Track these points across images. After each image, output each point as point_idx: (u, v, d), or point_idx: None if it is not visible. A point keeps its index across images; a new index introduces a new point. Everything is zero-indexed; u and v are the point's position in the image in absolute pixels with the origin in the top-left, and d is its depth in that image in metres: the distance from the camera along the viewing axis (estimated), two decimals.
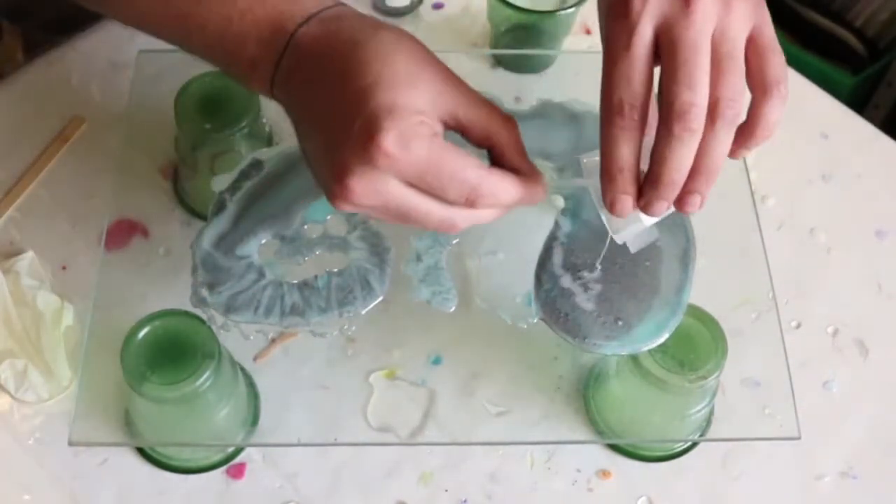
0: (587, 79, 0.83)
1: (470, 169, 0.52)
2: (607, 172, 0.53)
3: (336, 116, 0.53)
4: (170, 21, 0.59)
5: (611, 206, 0.54)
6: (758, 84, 0.54)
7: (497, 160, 0.55)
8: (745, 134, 0.54)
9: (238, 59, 0.57)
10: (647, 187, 0.54)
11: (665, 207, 0.54)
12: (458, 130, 0.54)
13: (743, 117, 0.54)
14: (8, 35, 0.96)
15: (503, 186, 0.53)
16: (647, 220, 0.56)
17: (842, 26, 1.40)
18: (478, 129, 0.54)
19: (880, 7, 1.40)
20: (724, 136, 0.52)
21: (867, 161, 0.87)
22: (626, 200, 0.54)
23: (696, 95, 0.51)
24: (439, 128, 0.53)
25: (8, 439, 0.71)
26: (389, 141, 0.50)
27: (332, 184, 0.52)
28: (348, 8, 0.57)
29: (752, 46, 0.54)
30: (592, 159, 0.56)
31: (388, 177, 0.51)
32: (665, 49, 0.52)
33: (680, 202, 0.54)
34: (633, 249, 0.59)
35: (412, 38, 0.55)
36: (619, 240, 0.58)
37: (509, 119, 0.56)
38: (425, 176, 0.51)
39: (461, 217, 0.54)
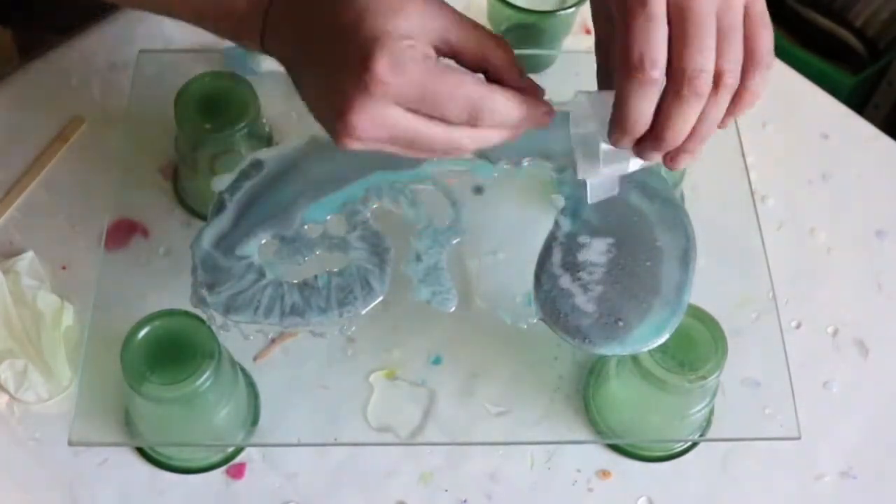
0: (587, 79, 0.83)
1: (468, 85, 0.53)
2: (621, 125, 0.54)
3: (329, 54, 0.53)
4: None
5: (612, 140, 0.55)
6: (748, 55, 0.54)
7: (495, 82, 0.55)
8: (732, 103, 0.55)
9: (228, 14, 0.58)
10: (648, 140, 0.54)
11: (657, 158, 0.55)
12: (450, 56, 0.54)
13: None
14: (1, 36, 0.96)
15: (504, 101, 0.54)
16: (634, 166, 0.57)
17: (842, 26, 1.40)
18: (471, 52, 0.54)
19: (880, 7, 1.40)
20: (723, 103, 0.54)
21: (867, 161, 0.87)
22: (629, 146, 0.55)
23: (707, 61, 0.52)
24: (431, 52, 0.53)
25: (8, 439, 0.71)
26: (381, 66, 0.50)
27: (336, 123, 0.52)
28: None
29: (747, 16, 0.54)
30: (599, 97, 0.56)
31: (387, 104, 0.51)
32: (676, 14, 0.52)
33: (672, 160, 0.55)
34: (590, 200, 0.59)
35: None
36: (586, 178, 0.59)
37: (501, 39, 0.56)
38: (424, 97, 0.52)
39: (467, 138, 0.54)
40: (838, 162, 0.86)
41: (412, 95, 0.52)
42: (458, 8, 0.95)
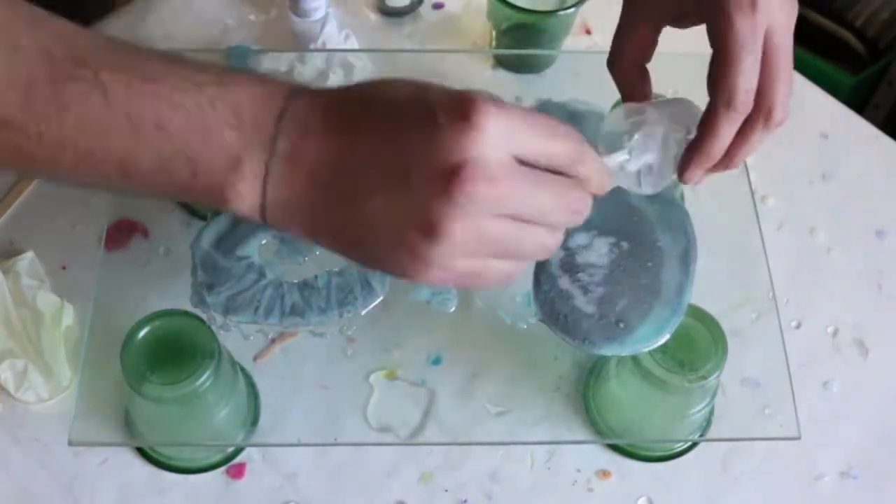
0: (587, 79, 0.83)
1: (570, 191, 0.48)
2: (707, 151, 0.57)
3: (400, 176, 0.44)
4: (113, 136, 0.46)
5: (686, 176, 0.58)
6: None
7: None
8: None
9: (212, 159, 0.46)
10: (720, 167, 0.58)
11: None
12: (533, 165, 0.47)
13: None
14: None
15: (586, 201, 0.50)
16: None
17: (842, 26, 1.40)
18: (562, 165, 0.48)
19: (880, 7, 1.40)
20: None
21: (867, 161, 0.87)
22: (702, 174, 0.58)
23: (789, 94, 0.56)
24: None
25: (8, 439, 0.71)
26: (477, 177, 0.44)
27: (430, 235, 0.44)
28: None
29: None
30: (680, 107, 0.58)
31: (485, 213, 0.45)
32: (770, 50, 0.55)
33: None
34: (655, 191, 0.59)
35: None
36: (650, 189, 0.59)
37: (572, 131, 0.48)
38: (525, 203, 0.46)
39: (554, 238, 0.49)
40: (838, 162, 0.86)
41: (513, 202, 0.45)
42: (458, 8, 0.96)
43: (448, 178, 0.43)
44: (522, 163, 0.46)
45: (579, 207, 0.49)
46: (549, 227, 0.48)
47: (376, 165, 0.45)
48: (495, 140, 0.44)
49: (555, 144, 0.47)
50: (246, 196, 0.46)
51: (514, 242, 0.47)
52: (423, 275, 0.46)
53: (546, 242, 0.48)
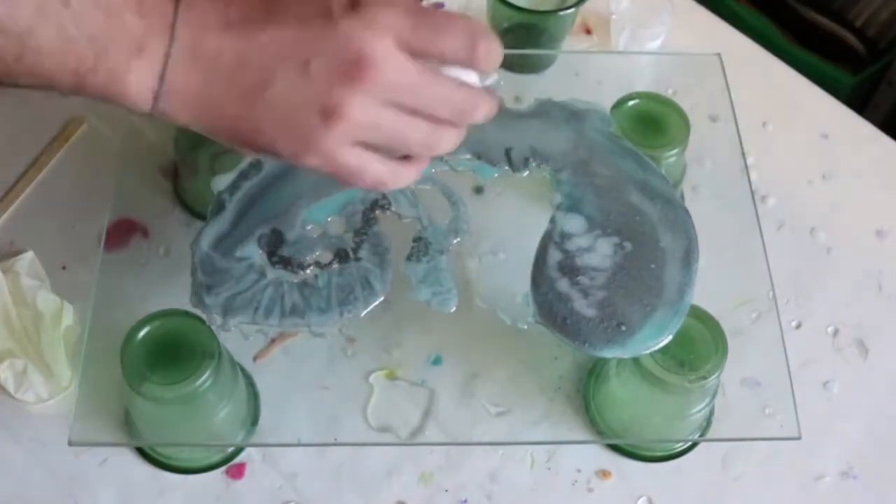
0: (587, 79, 0.83)
1: (459, 91, 0.51)
2: None
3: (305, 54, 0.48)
4: (21, 7, 0.45)
5: None
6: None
7: None
8: None
9: (115, 40, 0.46)
10: None
11: None
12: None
13: None
14: None
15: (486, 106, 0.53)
16: None
17: (842, 26, 1.40)
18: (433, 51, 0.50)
19: (880, 7, 1.40)
20: None
21: (867, 161, 0.87)
22: None
23: None
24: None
25: (8, 439, 0.71)
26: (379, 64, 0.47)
27: (325, 117, 0.48)
28: None
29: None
30: None
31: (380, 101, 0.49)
32: None
33: None
34: None
35: None
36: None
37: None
38: (418, 97, 0.50)
39: (447, 138, 0.52)
40: (838, 162, 0.86)
41: (403, 92, 0.49)
42: (458, 8, 0.96)
43: (346, 65, 0.47)
44: (417, 57, 0.49)
45: (467, 106, 0.51)
46: (435, 124, 0.51)
47: (276, 55, 0.48)
48: (387, 32, 0.48)
49: (445, 40, 0.49)
50: (144, 82, 0.47)
51: (401, 132, 0.50)
52: (309, 156, 0.49)
53: (431, 139, 0.51)
